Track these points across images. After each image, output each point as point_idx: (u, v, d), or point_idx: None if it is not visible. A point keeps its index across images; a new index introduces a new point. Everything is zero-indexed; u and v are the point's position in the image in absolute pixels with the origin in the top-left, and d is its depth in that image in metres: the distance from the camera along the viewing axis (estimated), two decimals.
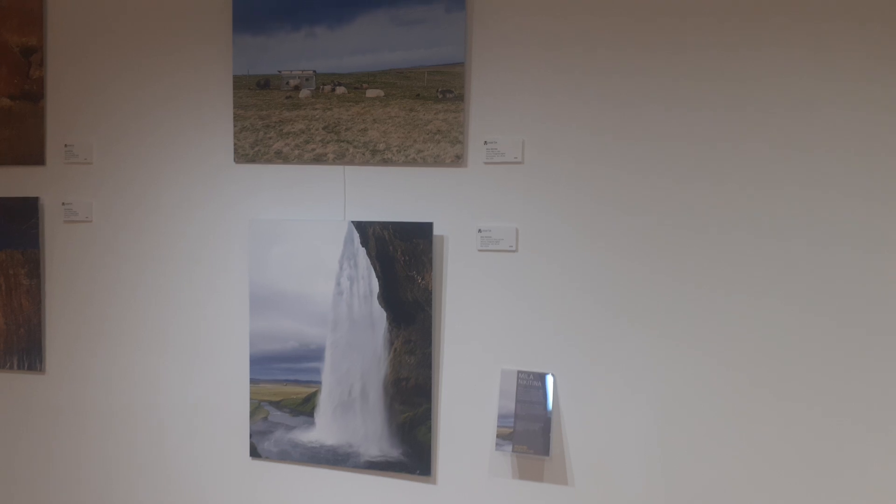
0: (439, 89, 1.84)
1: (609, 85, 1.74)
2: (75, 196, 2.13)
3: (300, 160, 1.96)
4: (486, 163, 1.83)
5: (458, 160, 1.84)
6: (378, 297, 1.87)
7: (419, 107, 1.86)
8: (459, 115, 1.83)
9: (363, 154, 1.91)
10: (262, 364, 1.97)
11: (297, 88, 1.95)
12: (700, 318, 1.68)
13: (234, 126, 1.99)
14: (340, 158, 1.93)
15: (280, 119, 1.96)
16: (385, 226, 1.86)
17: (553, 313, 1.79)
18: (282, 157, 1.97)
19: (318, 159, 1.94)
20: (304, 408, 1.93)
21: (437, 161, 1.85)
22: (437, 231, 1.85)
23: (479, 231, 1.83)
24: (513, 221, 1.82)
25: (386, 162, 1.90)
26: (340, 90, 1.92)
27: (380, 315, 1.87)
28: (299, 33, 1.93)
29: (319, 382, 1.92)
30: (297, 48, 1.93)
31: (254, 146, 1.99)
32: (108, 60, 2.09)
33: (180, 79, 2.04)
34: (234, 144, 2.00)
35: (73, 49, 2.12)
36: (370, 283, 1.87)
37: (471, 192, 1.84)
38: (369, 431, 1.88)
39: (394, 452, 1.86)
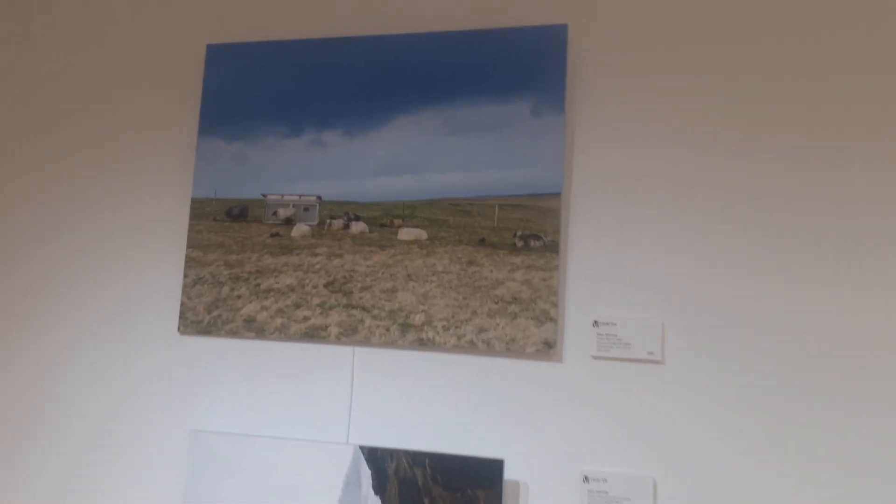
0: (518, 233, 1.13)
1: (812, 225, 1.02)
2: None
3: (284, 334, 1.20)
4: (596, 357, 1.08)
5: (550, 350, 1.08)
6: None
7: (484, 259, 1.13)
8: (552, 276, 1.10)
9: (387, 330, 1.16)
10: None
11: (288, 222, 1.24)
12: None
13: (185, 276, 1.26)
14: (349, 335, 1.17)
15: (258, 268, 1.23)
16: (418, 459, 1.06)
17: None
18: (254, 329, 1.22)
19: (313, 334, 1.19)
20: None
21: (513, 349, 1.10)
22: (510, 474, 1.06)
23: (586, 479, 1.04)
24: (647, 464, 1.03)
25: (424, 345, 1.14)
26: (358, 227, 1.20)
27: None
28: (299, 140, 1.25)
29: None
30: (295, 162, 1.25)
31: (212, 309, 1.24)
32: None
33: (111, 202, 1.34)
34: (182, 304, 1.25)
35: None
36: None
37: (571, 407, 1.07)
38: None
39: None
